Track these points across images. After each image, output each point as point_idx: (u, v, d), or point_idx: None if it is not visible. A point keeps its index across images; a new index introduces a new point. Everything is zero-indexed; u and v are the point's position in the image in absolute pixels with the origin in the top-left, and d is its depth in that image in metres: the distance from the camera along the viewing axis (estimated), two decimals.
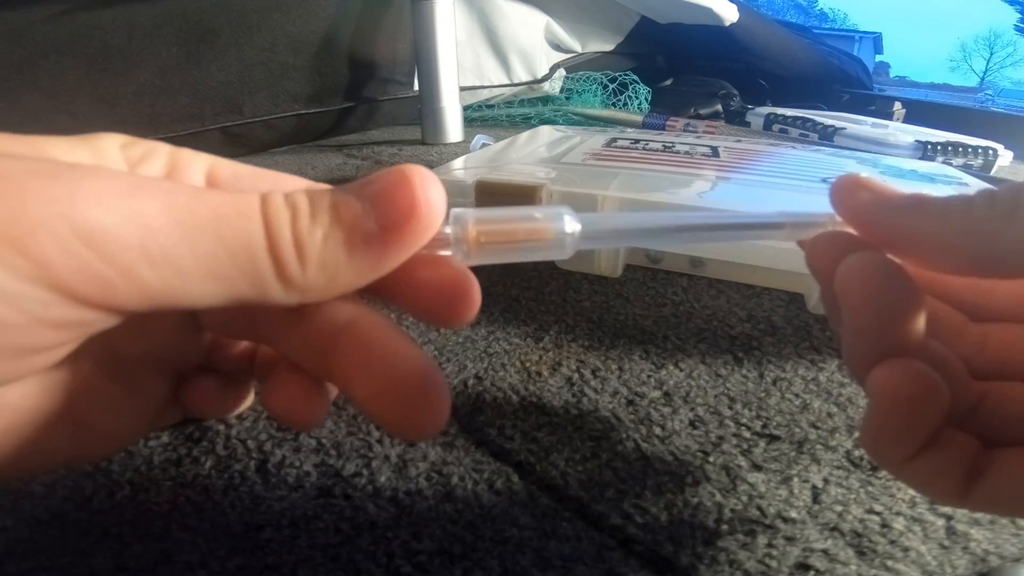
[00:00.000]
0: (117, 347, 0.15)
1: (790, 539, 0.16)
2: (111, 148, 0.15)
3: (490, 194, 0.33)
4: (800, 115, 0.76)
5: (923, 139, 0.63)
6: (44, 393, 0.14)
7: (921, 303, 0.13)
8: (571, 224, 0.14)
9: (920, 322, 0.13)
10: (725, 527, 0.17)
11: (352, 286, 0.13)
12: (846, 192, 0.15)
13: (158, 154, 0.16)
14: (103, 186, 0.11)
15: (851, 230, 0.15)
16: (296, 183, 0.18)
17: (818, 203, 0.31)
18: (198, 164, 0.17)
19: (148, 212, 0.11)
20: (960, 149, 0.62)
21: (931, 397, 0.12)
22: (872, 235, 0.14)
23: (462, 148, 0.69)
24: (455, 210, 0.14)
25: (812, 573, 0.15)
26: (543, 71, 0.96)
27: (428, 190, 0.13)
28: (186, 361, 0.18)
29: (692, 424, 0.21)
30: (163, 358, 0.17)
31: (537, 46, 0.94)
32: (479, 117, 0.87)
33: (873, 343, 0.13)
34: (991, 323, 0.15)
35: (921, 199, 0.13)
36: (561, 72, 0.98)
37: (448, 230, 0.14)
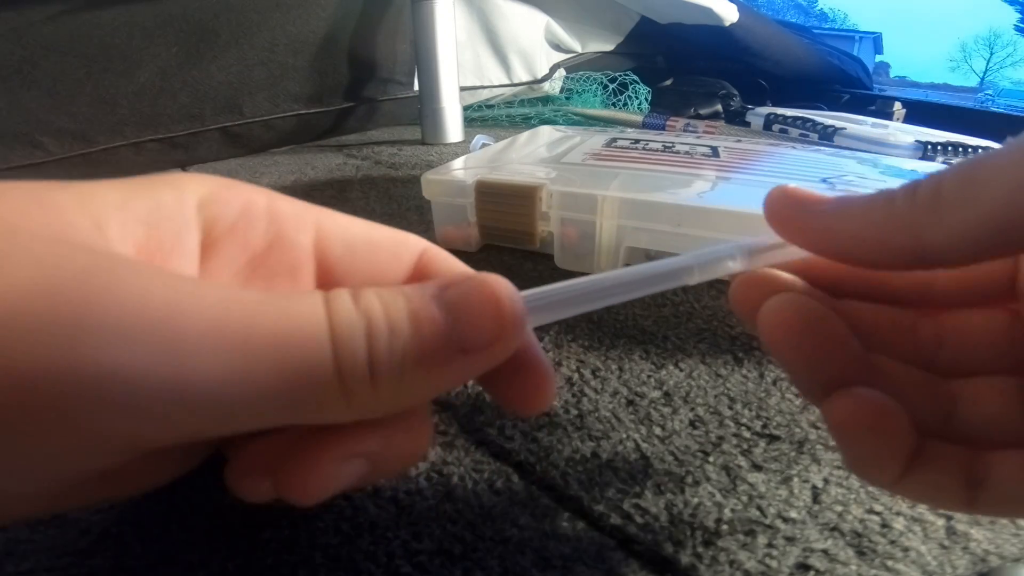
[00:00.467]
0: None
1: (790, 539, 0.16)
2: (184, 206, 0.13)
3: (490, 194, 0.33)
4: (800, 115, 0.76)
5: (923, 139, 0.63)
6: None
7: (848, 334, 0.13)
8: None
9: (852, 350, 0.13)
10: (725, 527, 0.17)
11: (419, 402, 0.13)
12: (774, 204, 0.15)
13: (256, 218, 0.13)
14: (131, 310, 0.09)
15: (765, 268, 0.15)
16: (411, 248, 0.16)
17: None
18: (305, 233, 0.14)
19: (189, 344, 0.09)
20: (960, 149, 0.62)
21: (886, 421, 0.12)
22: (801, 241, 0.14)
23: (462, 148, 0.69)
24: None
25: (812, 573, 0.15)
26: (543, 71, 0.96)
27: (516, 309, 0.12)
28: None
29: (692, 424, 0.21)
30: None
31: (537, 46, 0.94)
32: (479, 117, 0.87)
33: (810, 383, 0.13)
34: (943, 315, 0.14)
35: (845, 200, 0.13)
36: (561, 72, 0.98)
37: None
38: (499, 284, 0.12)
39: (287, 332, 0.10)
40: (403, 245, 0.16)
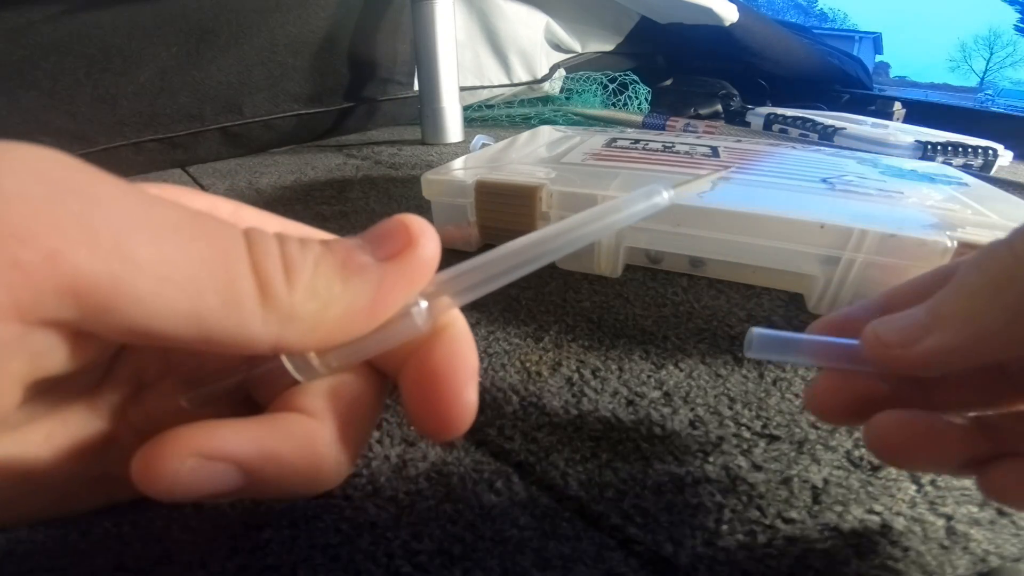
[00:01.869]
0: (151, 408, 0.14)
1: (790, 539, 0.16)
2: None
3: (490, 194, 0.33)
4: (800, 115, 0.76)
5: (923, 139, 0.63)
6: (79, 455, 0.13)
7: (956, 427, 0.14)
8: (420, 313, 0.13)
9: (969, 435, 0.14)
10: (725, 527, 0.17)
11: (343, 328, 0.12)
12: (871, 349, 0.14)
13: (219, 212, 0.14)
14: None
15: (839, 368, 0.16)
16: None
17: (818, 203, 0.31)
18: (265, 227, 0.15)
19: (103, 190, 0.10)
20: (960, 149, 0.62)
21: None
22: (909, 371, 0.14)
23: (462, 148, 0.69)
24: None
25: (812, 573, 0.15)
26: (543, 71, 0.96)
27: (425, 232, 0.13)
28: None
29: (692, 424, 0.21)
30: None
31: (537, 46, 0.94)
32: (479, 117, 0.87)
33: (948, 471, 0.15)
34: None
35: (933, 315, 0.13)
36: (561, 72, 0.98)
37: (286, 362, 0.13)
38: (409, 215, 0.13)
39: (206, 221, 0.11)
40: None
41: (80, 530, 0.16)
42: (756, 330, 0.16)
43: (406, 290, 0.12)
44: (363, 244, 0.12)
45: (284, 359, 0.13)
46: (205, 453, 0.11)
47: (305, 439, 0.13)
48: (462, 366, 0.14)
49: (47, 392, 0.12)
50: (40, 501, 0.13)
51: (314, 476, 0.13)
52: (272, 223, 0.15)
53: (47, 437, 0.13)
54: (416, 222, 0.13)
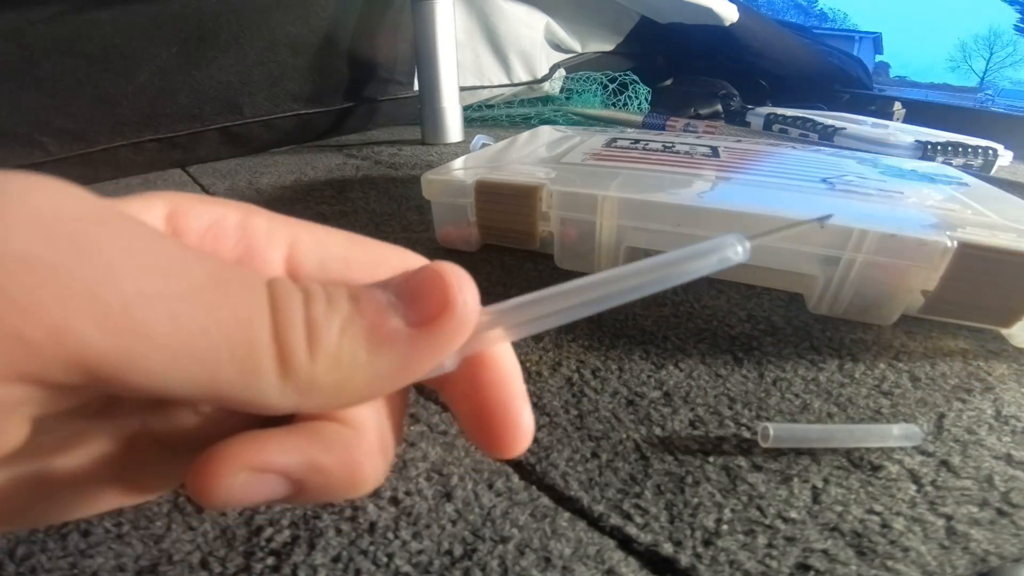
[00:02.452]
0: (173, 437, 0.14)
1: (790, 539, 0.16)
2: (151, 219, 0.12)
3: (490, 194, 0.33)
4: (800, 115, 0.76)
5: (923, 139, 0.63)
6: (94, 466, 0.13)
7: None
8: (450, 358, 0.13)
9: None
10: (725, 527, 0.17)
11: (364, 395, 0.12)
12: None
13: (226, 226, 0.13)
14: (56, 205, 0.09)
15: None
16: (391, 267, 0.15)
17: (818, 203, 0.31)
18: (276, 249, 0.14)
19: (115, 251, 0.09)
20: (960, 149, 0.62)
21: None
22: None
23: (462, 148, 0.69)
24: None
25: (812, 573, 0.15)
26: (543, 71, 0.96)
27: (464, 287, 0.11)
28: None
29: (692, 424, 0.21)
30: (224, 430, 0.16)
31: (537, 46, 0.94)
32: (479, 117, 0.87)
33: None
34: None
35: None
36: (561, 72, 0.98)
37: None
38: (446, 264, 0.12)
39: (227, 278, 0.10)
40: (381, 265, 0.15)
41: (80, 530, 0.16)
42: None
43: (438, 358, 0.12)
44: (395, 302, 0.11)
45: None
46: (255, 467, 0.11)
47: (344, 449, 0.13)
48: (515, 391, 0.14)
49: (60, 419, 0.11)
50: (46, 508, 0.13)
51: (354, 482, 0.13)
52: (284, 231, 0.14)
53: (61, 446, 0.13)
54: (455, 278, 0.12)
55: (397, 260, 0.15)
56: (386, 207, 0.46)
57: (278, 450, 0.12)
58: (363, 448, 0.13)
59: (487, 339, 0.13)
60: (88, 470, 0.13)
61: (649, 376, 0.24)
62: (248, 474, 0.11)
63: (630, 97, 0.90)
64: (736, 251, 0.13)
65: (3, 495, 0.12)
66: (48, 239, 0.09)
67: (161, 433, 0.14)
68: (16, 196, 0.09)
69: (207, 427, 0.14)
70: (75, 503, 0.13)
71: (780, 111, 0.79)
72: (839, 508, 0.17)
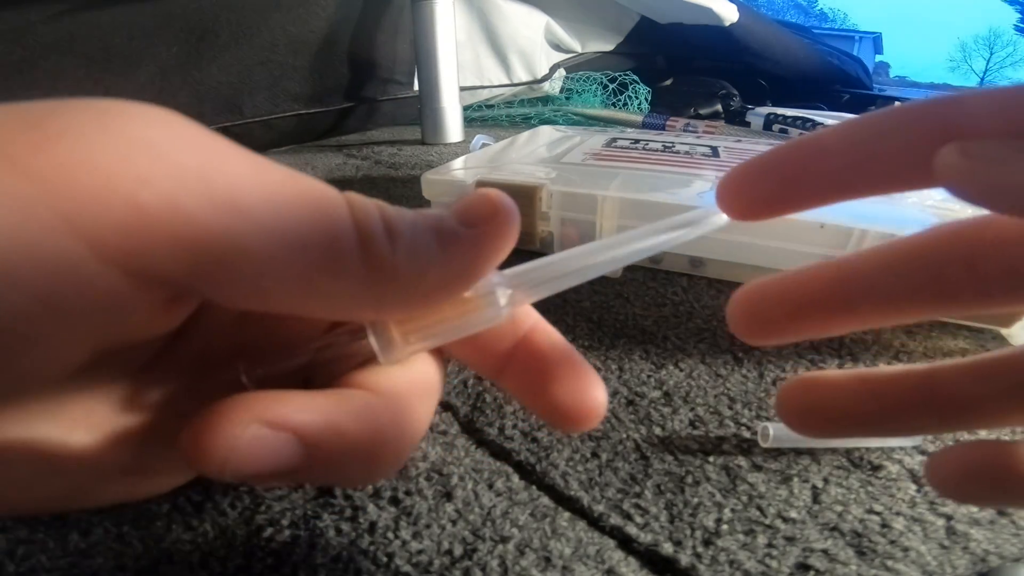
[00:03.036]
0: (180, 402, 0.14)
1: (790, 539, 0.16)
2: None
3: None
4: (800, 115, 0.76)
5: None
6: (113, 442, 0.13)
7: (1003, 450, 0.13)
8: (504, 296, 0.14)
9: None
10: (725, 527, 0.17)
11: (438, 291, 0.12)
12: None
13: None
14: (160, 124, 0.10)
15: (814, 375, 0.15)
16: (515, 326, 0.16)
17: None
18: None
19: (215, 150, 0.10)
20: None
21: None
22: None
23: (462, 148, 0.69)
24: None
25: (812, 573, 0.15)
26: (543, 71, 0.96)
27: (506, 202, 0.13)
28: None
29: (692, 424, 0.21)
30: None
31: (537, 46, 0.94)
32: (479, 117, 0.87)
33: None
34: None
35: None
36: (561, 72, 0.98)
37: (372, 339, 0.13)
38: (487, 189, 0.13)
39: (311, 184, 0.11)
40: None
41: (80, 530, 0.16)
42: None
43: (496, 257, 0.13)
44: (450, 215, 0.12)
45: (370, 335, 0.13)
46: (269, 420, 0.11)
47: (371, 418, 0.12)
48: (573, 355, 0.14)
49: (102, 363, 0.11)
50: (57, 488, 0.13)
51: (373, 458, 0.13)
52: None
53: (84, 416, 0.12)
54: (498, 194, 0.13)
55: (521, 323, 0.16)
56: None
57: (298, 406, 0.11)
58: (391, 420, 0.13)
59: (524, 295, 0.14)
60: (104, 450, 0.13)
61: (649, 376, 0.24)
62: (259, 428, 0.11)
63: (630, 97, 0.90)
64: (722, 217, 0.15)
65: (19, 468, 0.12)
66: (165, 130, 0.10)
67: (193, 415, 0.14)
68: (134, 104, 0.10)
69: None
70: (78, 488, 0.13)
71: (780, 111, 0.79)
72: (839, 508, 0.17)
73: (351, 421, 0.12)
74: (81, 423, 0.12)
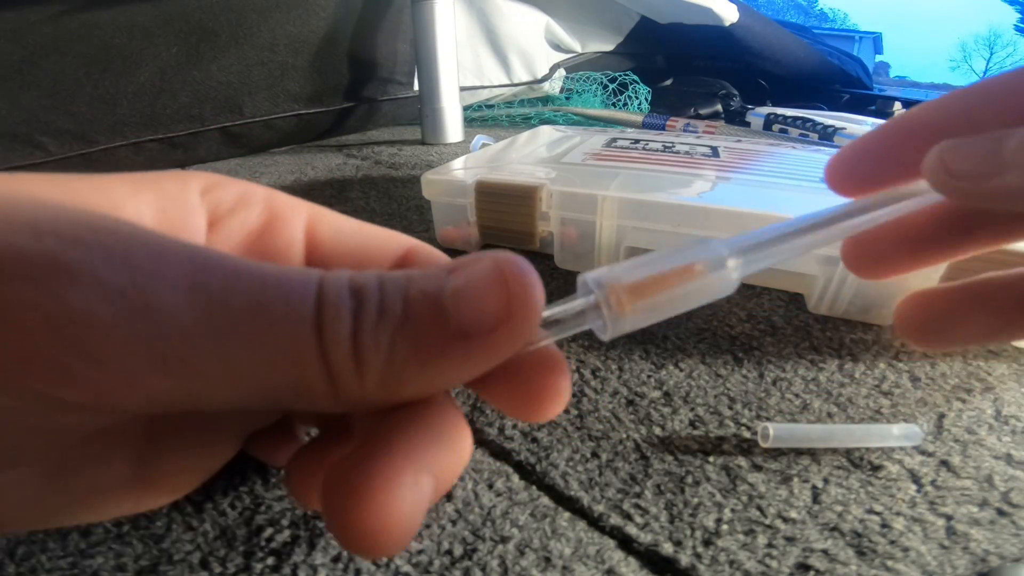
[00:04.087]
0: (206, 418, 0.14)
1: (790, 539, 0.16)
2: (188, 193, 0.13)
3: (490, 194, 0.33)
4: (800, 115, 0.76)
5: None
6: (111, 461, 0.13)
7: None
8: (734, 265, 0.12)
9: None
10: (725, 527, 0.17)
11: (414, 398, 0.11)
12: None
13: (253, 202, 0.14)
14: (105, 252, 0.09)
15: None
16: (397, 244, 0.16)
17: (818, 203, 0.31)
18: (298, 217, 0.14)
19: (164, 300, 0.09)
20: None
21: None
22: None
23: (462, 148, 0.69)
24: (592, 275, 0.12)
25: (812, 573, 0.15)
26: (543, 71, 0.96)
27: (526, 288, 0.10)
28: (269, 421, 0.16)
29: (692, 424, 0.21)
30: (249, 423, 0.15)
31: (537, 46, 0.94)
32: (479, 117, 0.87)
33: None
34: None
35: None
36: (561, 72, 0.98)
37: (592, 299, 0.11)
38: (507, 259, 0.11)
39: (271, 301, 0.10)
40: (392, 238, 0.16)
41: (80, 530, 0.16)
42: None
43: (491, 365, 0.11)
44: (451, 305, 0.10)
45: (604, 310, 0.12)
46: (419, 466, 0.11)
47: (456, 433, 0.12)
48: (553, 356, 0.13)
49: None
50: (60, 502, 0.13)
51: (467, 454, 0.12)
52: (303, 204, 0.15)
53: (83, 448, 0.12)
54: (520, 282, 0.10)
55: (403, 237, 0.16)
56: (386, 207, 0.46)
57: (419, 445, 0.11)
58: (464, 427, 0.12)
59: (751, 264, 0.13)
60: (107, 466, 0.13)
61: (649, 376, 0.24)
62: (415, 479, 0.10)
63: (630, 97, 0.90)
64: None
65: (21, 494, 0.12)
66: (106, 296, 0.09)
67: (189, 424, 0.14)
68: (69, 244, 0.09)
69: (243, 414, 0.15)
70: (89, 502, 0.13)
71: (780, 111, 0.79)
72: (839, 508, 0.17)
73: (445, 449, 0.12)
74: (82, 450, 0.12)
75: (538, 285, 0.11)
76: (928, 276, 0.27)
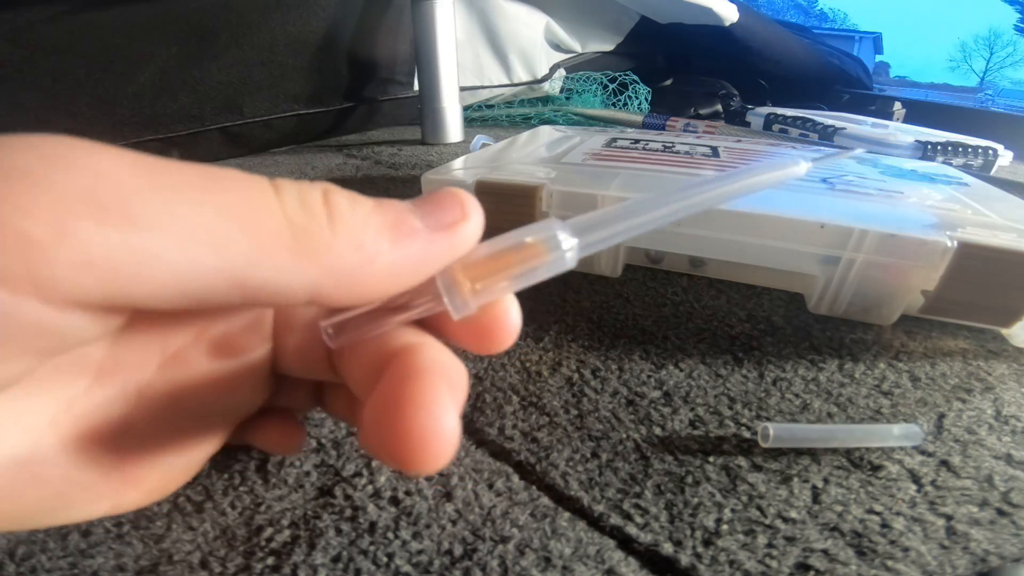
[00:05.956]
0: (182, 401, 0.14)
1: (790, 539, 0.16)
2: None
3: (490, 194, 0.33)
4: (800, 115, 0.76)
5: (923, 139, 0.63)
6: (86, 440, 0.12)
7: None
8: (566, 239, 0.14)
9: None
10: (725, 527, 0.17)
11: (382, 285, 0.12)
12: None
13: None
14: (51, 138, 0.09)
15: None
16: None
17: (818, 203, 0.31)
18: None
19: (103, 166, 0.09)
20: (960, 149, 0.62)
21: None
22: None
23: (462, 148, 0.69)
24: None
25: (812, 573, 0.15)
26: (543, 71, 0.96)
27: (476, 209, 0.13)
28: (252, 409, 0.16)
29: (692, 424, 0.21)
30: (231, 410, 0.15)
31: (537, 46, 0.94)
32: (479, 117, 0.87)
33: None
34: None
35: None
36: (561, 72, 0.98)
37: (439, 286, 0.13)
38: (459, 189, 0.13)
39: (227, 180, 0.10)
40: None
41: (80, 530, 0.16)
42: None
43: (450, 259, 0.13)
44: (415, 209, 0.12)
45: (445, 299, 0.13)
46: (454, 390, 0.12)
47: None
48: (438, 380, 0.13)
49: (55, 366, 0.11)
50: (34, 497, 0.12)
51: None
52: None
53: (50, 416, 0.12)
54: (469, 198, 0.13)
55: None
56: None
57: (437, 369, 0.12)
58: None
59: (588, 244, 0.14)
60: (78, 449, 0.13)
61: (649, 376, 0.24)
62: (449, 392, 0.12)
63: (630, 97, 0.90)
64: (799, 166, 0.15)
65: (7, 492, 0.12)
66: (44, 157, 0.09)
67: (169, 402, 0.14)
68: (10, 136, 0.09)
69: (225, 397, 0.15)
70: (57, 497, 0.13)
71: (780, 111, 0.79)
72: (839, 508, 0.17)
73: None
74: (46, 424, 0.12)
75: (480, 209, 0.13)
76: (927, 277, 0.27)
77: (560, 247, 0.14)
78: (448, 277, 0.13)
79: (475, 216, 0.13)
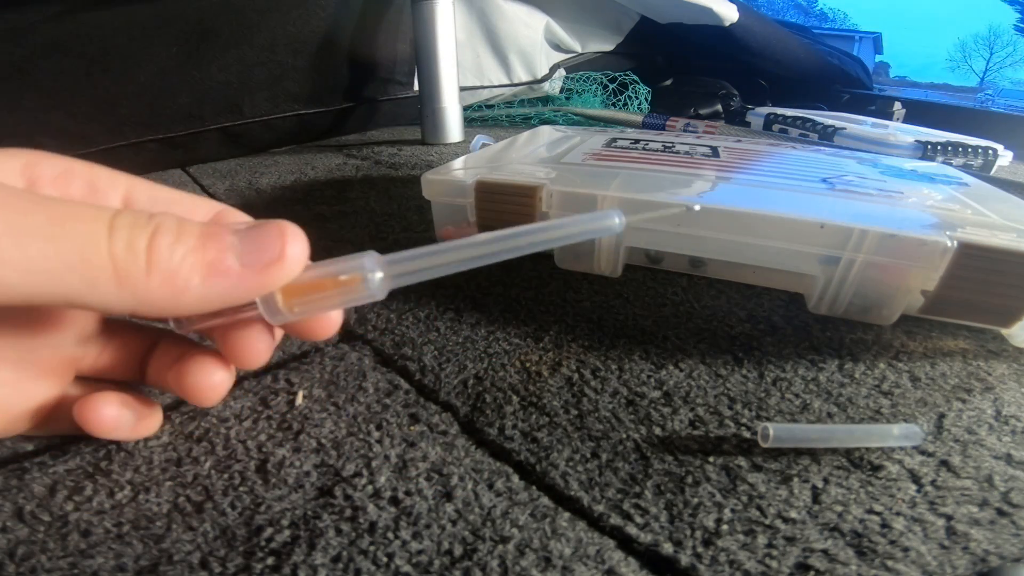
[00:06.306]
0: None
1: (790, 539, 0.16)
2: (9, 166, 0.15)
3: (490, 194, 0.33)
4: (800, 115, 0.76)
5: (923, 139, 0.63)
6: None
7: None
8: (373, 279, 0.16)
9: None
10: (725, 527, 0.17)
11: (195, 308, 0.14)
12: None
13: (74, 174, 0.16)
14: None
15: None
16: (207, 209, 0.19)
17: (818, 203, 0.31)
18: (117, 186, 0.17)
19: None
20: (960, 149, 0.62)
21: None
22: None
23: (462, 148, 0.69)
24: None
25: (812, 573, 0.15)
26: (543, 71, 0.96)
27: (297, 248, 0.15)
28: (86, 359, 0.19)
29: (692, 424, 0.21)
30: (47, 355, 0.17)
31: (537, 46, 0.94)
32: (479, 117, 0.87)
33: None
34: None
35: None
36: (561, 72, 0.98)
37: (259, 304, 0.16)
38: (288, 224, 0.15)
39: (73, 216, 0.13)
40: (203, 203, 0.19)
41: (80, 530, 0.16)
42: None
43: (259, 294, 0.15)
44: (238, 245, 0.14)
45: (261, 309, 0.16)
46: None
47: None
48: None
49: None
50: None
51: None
52: (123, 177, 0.17)
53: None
54: (292, 236, 0.15)
55: (213, 203, 0.19)
56: (386, 207, 0.46)
57: (227, 351, 0.19)
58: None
59: (394, 279, 0.16)
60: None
61: (649, 376, 0.24)
62: (225, 366, 0.19)
63: (630, 97, 0.90)
64: (615, 222, 0.17)
65: None
66: None
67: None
68: None
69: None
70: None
71: (780, 111, 0.79)
72: (839, 508, 0.17)
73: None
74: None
75: (305, 245, 0.15)
76: (927, 277, 0.27)
77: (370, 285, 0.16)
78: (269, 297, 0.16)
79: (292, 254, 0.15)
